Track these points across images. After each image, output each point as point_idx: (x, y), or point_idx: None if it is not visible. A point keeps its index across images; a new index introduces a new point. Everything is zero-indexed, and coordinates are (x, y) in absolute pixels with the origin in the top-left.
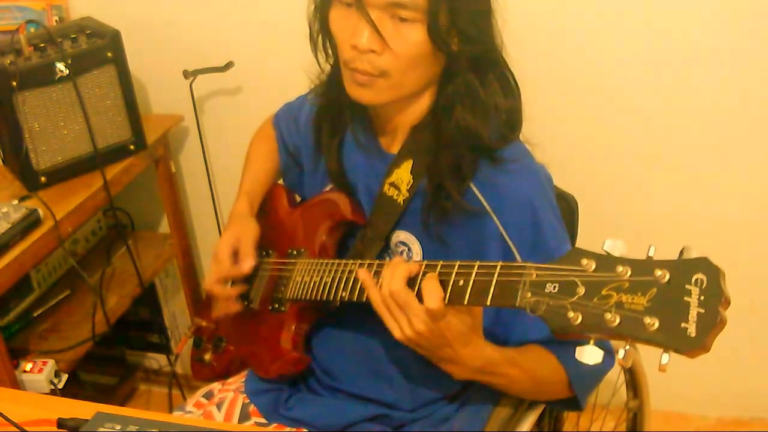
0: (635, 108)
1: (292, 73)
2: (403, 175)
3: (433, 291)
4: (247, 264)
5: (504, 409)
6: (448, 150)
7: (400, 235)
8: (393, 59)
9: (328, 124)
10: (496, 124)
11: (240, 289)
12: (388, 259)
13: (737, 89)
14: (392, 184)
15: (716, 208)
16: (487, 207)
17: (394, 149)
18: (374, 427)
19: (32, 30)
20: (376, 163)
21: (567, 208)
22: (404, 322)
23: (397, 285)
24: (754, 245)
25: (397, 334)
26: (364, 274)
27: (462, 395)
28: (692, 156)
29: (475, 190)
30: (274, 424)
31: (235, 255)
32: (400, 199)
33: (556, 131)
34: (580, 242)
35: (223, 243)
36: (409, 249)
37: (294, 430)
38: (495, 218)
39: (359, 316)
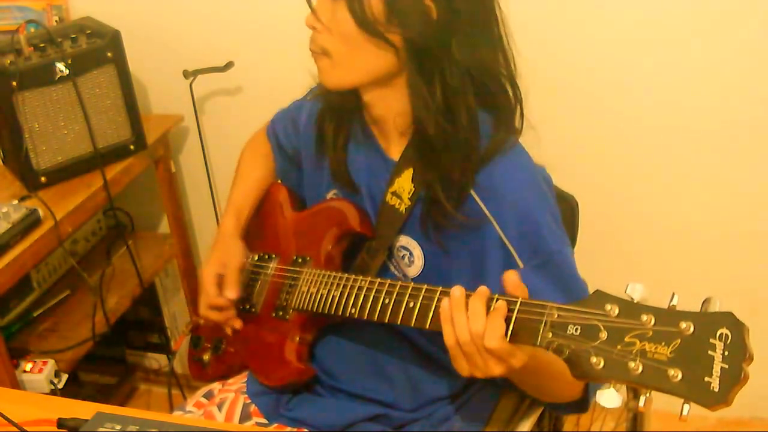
0: (636, 108)
1: (292, 73)
2: (404, 184)
3: (495, 329)
4: (231, 293)
5: (504, 409)
6: (439, 162)
7: (401, 240)
8: (327, 37)
9: (332, 124)
10: (486, 128)
11: (234, 310)
12: (392, 266)
13: (738, 91)
14: (394, 194)
15: (716, 208)
16: (487, 213)
17: (393, 153)
18: (374, 427)
19: (32, 30)
20: (378, 165)
21: (567, 208)
22: (481, 365)
23: (477, 326)
24: (755, 245)
25: (465, 371)
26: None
27: (462, 395)
28: (692, 155)
29: (474, 196)
30: (275, 424)
31: (221, 280)
32: (402, 208)
33: (556, 132)
34: (581, 243)
35: (208, 270)
36: (411, 253)
37: (295, 430)
38: (495, 223)
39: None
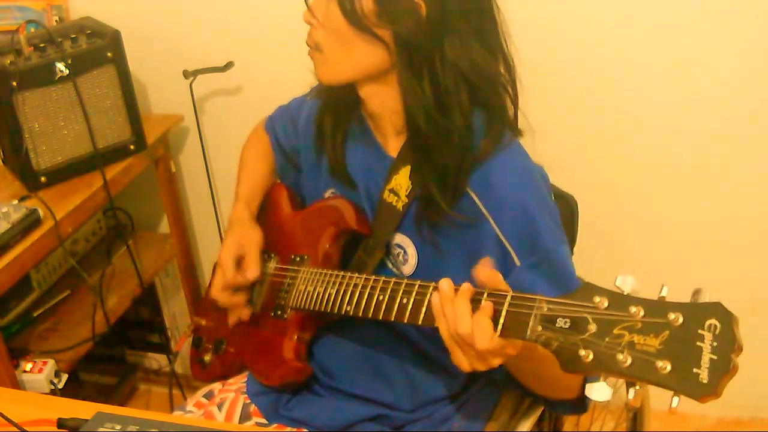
0: (635, 108)
1: (292, 73)
2: (401, 181)
3: (483, 330)
4: (252, 272)
5: (504, 409)
6: (435, 161)
7: (396, 238)
8: (321, 32)
9: (330, 120)
10: (481, 127)
11: (246, 296)
12: (389, 263)
13: (737, 90)
14: (392, 191)
15: (716, 207)
16: (484, 210)
17: (391, 150)
18: (374, 427)
19: (32, 30)
20: (375, 162)
21: (567, 208)
22: (477, 359)
23: (464, 327)
24: (755, 244)
25: (465, 367)
26: (436, 305)
27: (461, 395)
28: (691, 155)
29: (471, 193)
30: (275, 425)
31: (239, 262)
32: (399, 206)
33: (555, 132)
34: (580, 242)
35: (226, 251)
36: (405, 251)
37: (294, 430)
38: (491, 221)
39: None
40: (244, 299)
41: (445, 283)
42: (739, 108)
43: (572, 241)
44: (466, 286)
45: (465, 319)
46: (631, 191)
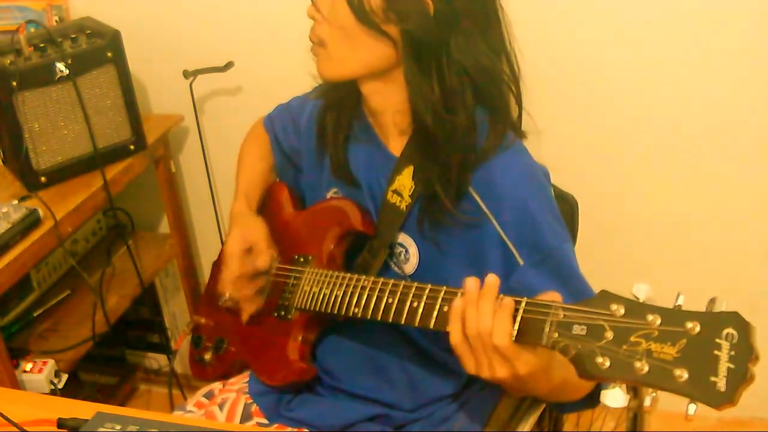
0: (635, 108)
1: (292, 73)
2: (405, 182)
3: (503, 326)
4: (263, 260)
5: (504, 409)
6: (439, 159)
7: (399, 237)
8: (326, 28)
9: (332, 119)
10: (484, 126)
11: (258, 287)
12: (392, 263)
13: (740, 90)
14: (395, 192)
15: (717, 207)
16: (486, 210)
17: (394, 148)
18: (374, 427)
19: (32, 30)
20: (379, 162)
21: (567, 208)
22: (486, 364)
23: (485, 324)
24: (756, 244)
25: (471, 368)
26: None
27: (462, 395)
28: (692, 155)
29: (473, 193)
30: (276, 425)
31: (247, 253)
32: (403, 206)
33: (556, 132)
34: (581, 242)
35: (232, 243)
36: (407, 251)
37: (295, 430)
38: (494, 220)
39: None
40: (257, 290)
41: (472, 283)
42: (741, 109)
43: (572, 241)
44: (491, 280)
45: (488, 315)
46: (632, 191)
